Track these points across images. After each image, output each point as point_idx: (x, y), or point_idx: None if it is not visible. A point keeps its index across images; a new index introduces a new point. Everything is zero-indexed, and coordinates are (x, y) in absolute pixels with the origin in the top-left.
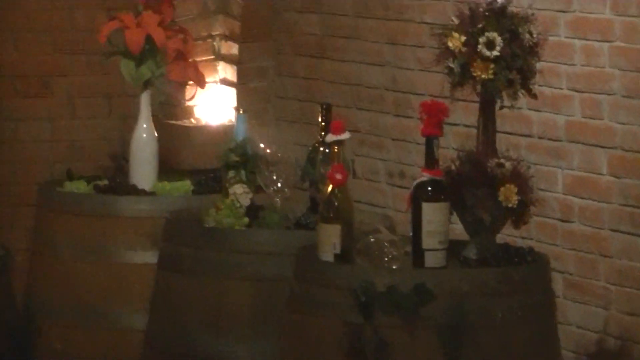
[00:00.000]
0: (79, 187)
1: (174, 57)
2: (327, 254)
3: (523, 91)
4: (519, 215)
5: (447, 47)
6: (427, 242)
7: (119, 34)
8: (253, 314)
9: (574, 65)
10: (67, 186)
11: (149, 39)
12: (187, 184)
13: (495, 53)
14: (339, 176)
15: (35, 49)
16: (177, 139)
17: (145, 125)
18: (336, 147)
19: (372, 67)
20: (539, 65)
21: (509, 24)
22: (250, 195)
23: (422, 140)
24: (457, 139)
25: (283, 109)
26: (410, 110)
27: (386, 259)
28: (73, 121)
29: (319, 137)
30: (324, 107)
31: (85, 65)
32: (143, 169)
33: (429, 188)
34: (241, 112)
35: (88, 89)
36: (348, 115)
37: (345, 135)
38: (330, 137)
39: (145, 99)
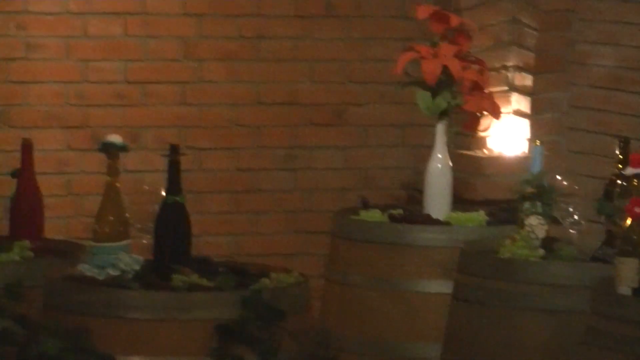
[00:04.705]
0: (374, 216)
1: (469, 88)
2: (625, 288)
3: None
4: None
5: None
6: None
7: (414, 65)
8: (546, 348)
9: None
10: (362, 215)
11: (445, 70)
12: (481, 215)
13: None
14: (638, 210)
15: (329, 79)
16: (469, 169)
17: (440, 156)
18: (636, 181)
19: None
20: None
21: None
22: (545, 227)
23: None
24: None
25: (575, 141)
26: None
27: None
28: (365, 150)
29: (615, 170)
30: (622, 140)
31: (378, 95)
32: (437, 199)
33: None
34: (537, 143)
35: (381, 119)
36: None
37: None
38: (629, 171)
39: (440, 130)
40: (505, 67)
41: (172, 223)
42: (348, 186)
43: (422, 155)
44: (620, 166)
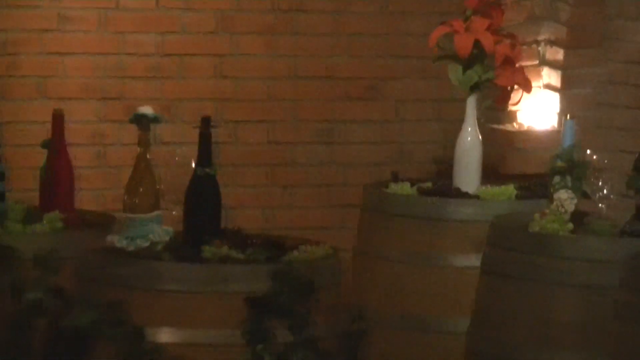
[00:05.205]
0: (404, 189)
1: (501, 62)
2: None
3: None
4: None
5: None
6: None
7: (448, 39)
8: (580, 322)
9: None
10: (392, 188)
11: (477, 43)
12: (511, 189)
13: None
14: None
15: (365, 53)
16: (500, 143)
17: (470, 129)
18: None
19: None
20: None
21: None
22: (575, 201)
23: None
24: None
25: (608, 115)
26: None
27: None
28: (401, 124)
29: None
30: None
31: (415, 69)
32: (467, 172)
33: None
34: (568, 118)
35: (417, 93)
36: None
37: None
38: None
39: (471, 103)
40: (537, 41)
41: (202, 195)
42: (383, 160)
43: (457, 129)
44: None
